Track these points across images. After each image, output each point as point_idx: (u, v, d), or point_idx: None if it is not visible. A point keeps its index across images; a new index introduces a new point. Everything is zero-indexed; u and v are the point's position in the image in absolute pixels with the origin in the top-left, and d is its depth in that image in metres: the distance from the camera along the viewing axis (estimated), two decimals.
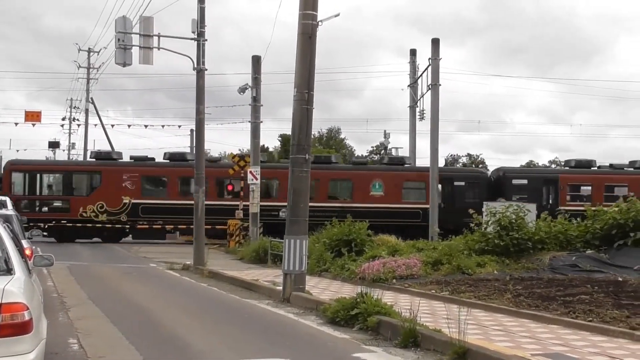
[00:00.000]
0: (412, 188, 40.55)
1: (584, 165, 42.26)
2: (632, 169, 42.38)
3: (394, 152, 58.92)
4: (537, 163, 76.60)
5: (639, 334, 10.70)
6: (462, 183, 40.75)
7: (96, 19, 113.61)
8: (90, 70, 60.20)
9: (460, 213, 31.78)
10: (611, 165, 42.72)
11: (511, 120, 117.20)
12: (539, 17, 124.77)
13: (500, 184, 41.12)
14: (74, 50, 64.15)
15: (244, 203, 34.67)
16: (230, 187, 39.42)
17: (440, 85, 35.19)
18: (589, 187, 41.02)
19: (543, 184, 41.31)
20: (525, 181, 41.08)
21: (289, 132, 20.92)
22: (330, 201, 39.30)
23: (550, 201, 40.43)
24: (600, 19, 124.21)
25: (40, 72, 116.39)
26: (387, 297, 14.29)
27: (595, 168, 42.55)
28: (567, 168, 43.80)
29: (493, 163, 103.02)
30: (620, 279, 17.32)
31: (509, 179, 41.43)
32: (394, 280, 18.30)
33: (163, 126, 70.62)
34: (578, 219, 23.01)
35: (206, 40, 26.16)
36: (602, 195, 38.95)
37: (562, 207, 38.14)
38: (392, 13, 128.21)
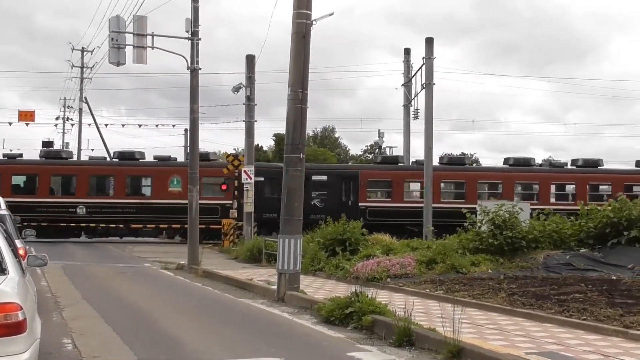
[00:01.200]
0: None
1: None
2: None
3: (388, 152, 58.96)
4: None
5: (632, 333, 10.72)
6: (262, 178, 39.83)
7: (88, 18, 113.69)
8: (84, 69, 60.08)
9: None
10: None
11: (505, 119, 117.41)
12: (532, 16, 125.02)
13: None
14: (67, 50, 64.11)
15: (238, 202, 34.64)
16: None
17: (434, 84, 35.24)
18: (390, 183, 41.12)
19: (343, 181, 40.99)
20: (325, 177, 40.95)
21: (283, 131, 20.93)
22: None
23: (351, 198, 40.40)
24: (593, 17, 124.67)
25: (33, 71, 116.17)
26: (382, 296, 14.30)
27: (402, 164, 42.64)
28: (372, 164, 43.98)
29: (487, 162, 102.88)
30: (614, 278, 17.35)
31: (308, 175, 40.61)
32: (388, 280, 18.30)
33: (157, 126, 70.67)
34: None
35: (200, 39, 26.14)
36: (403, 192, 40.58)
37: (362, 204, 39.75)
38: (384, 12, 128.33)
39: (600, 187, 42.67)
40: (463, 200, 38.16)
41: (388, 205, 40.64)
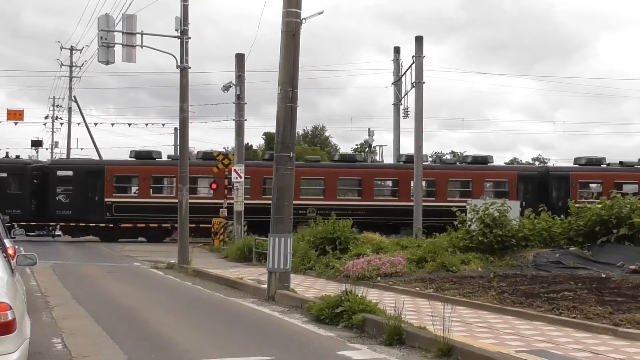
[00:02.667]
0: None
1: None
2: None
3: (378, 150, 59.04)
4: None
5: (622, 330, 10.74)
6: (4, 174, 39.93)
7: (74, 16, 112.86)
8: (73, 68, 59.89)
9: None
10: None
11: (494, 117, 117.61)
12: (518, 15, 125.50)
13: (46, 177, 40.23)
14: (54, 48, 63.90)
15: (228, 201, 34.61)
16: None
17: (424, 83, 35.31)
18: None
19: (88, 176, 40.36)
20: (70, 172, 40.27)
21: (272, 130, 20.92)
22: None
23: (97, 193, 39.92)
24: (579, 16, 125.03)
25: (21, 70, 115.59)
26: (372, 295, 14.30)
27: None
28: (122, 159, 42.96)
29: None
30: (603, 276, 17.41)
31: (53, 170, 40.39)
32: (379, 278, 18.31)
33: (147, 124, 70.25)
34: None
35: (190, 38, 26.10)
36: (149, 188, 40.46)
37: (108, 200, 39.57)
38: (372, 11, 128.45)
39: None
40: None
41: (135, 201, 40.38)
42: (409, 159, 41.23)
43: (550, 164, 71.56)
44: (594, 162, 42.67)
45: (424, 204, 36.16)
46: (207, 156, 40.45)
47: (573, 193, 39.33)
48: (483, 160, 43.20)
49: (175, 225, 34.92)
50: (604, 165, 43.32)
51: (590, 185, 42.79)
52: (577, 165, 43.50)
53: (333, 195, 40.51)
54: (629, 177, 42.21)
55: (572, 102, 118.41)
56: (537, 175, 43.15)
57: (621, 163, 43.51)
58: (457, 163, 45.61)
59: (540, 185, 41.86)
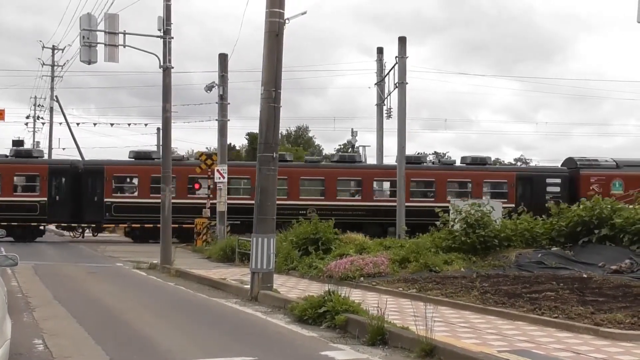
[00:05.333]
0: None
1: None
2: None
3: (361, 150, 59.08)
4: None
5: (603, 330, 10.81)
6: None
7: (53, 15, 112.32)
8: (55, 67, 59.60)
9: None
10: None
11: (476, 117, 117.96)
12: (498, 15, 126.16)
13: None
14: (33, 48, 63.60)
15: (211, 201, 34.54)
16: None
17: (407, 83, 35.37)
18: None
19: None
20: None
21: (255, 130, 20.89)
22: None
23: None
24: (558, 17, 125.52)
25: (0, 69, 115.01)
26: (355, 295, 14.31)
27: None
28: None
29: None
30: (585, 276, 17.50)
31: None
32: (362, 278, 18.32)
33: (129, 124, 70.10)
34: None
35: (172, 38, 26.02)
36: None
37: None
38: (352, 11, 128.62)
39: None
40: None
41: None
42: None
43: (532, 164, 72.00)
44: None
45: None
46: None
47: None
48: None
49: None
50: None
51: (350, 182, 42.42)
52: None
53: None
54: (384, 175, 42.09)
55: (553, 103, 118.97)
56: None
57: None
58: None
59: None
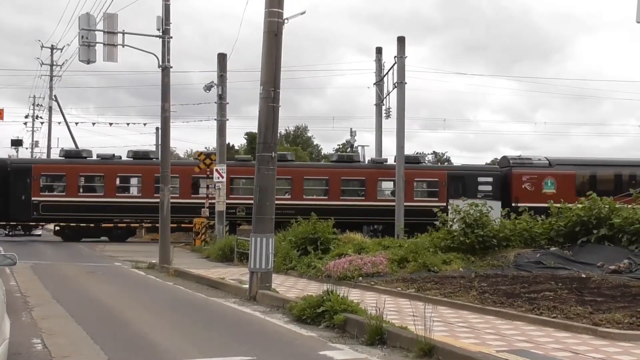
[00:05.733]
0: None
1: None
2: None
3: (360, 150, 59.05)
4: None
5: (602, 330, 10.81)
6: None
7: (51, 15, 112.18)
8: (53, 67, 59.58)
9: None
10: None
11: (475, 117, 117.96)
12: (496, 15, 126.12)
13: None
14: (31, 47, 63.63)
15: (210, 201, 34.54)
16: None
17: (406, 83, 35.37)
18: None
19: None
20: None
21: (254, 129, 20.96)
22: None
23: None
24: (556, 17, 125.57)
25: None
26: (354, 295, 14.31)
27: None
28: None
29: (457, 161, 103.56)
30: (583, 276, 17.50)
31: None
32: (360, 278, 18.33)
33: (128, 124, 70.11)
34: None
35: (171, 37, 26.03)
36: None
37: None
38: (349, 11, 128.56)
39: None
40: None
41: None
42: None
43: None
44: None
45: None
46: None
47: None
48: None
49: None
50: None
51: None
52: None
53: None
54: (314, 173, 42.31)
55: (552, 102, 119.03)
56: None
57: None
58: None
59: None
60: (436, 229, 22.76)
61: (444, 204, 33.95)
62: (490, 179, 41.85)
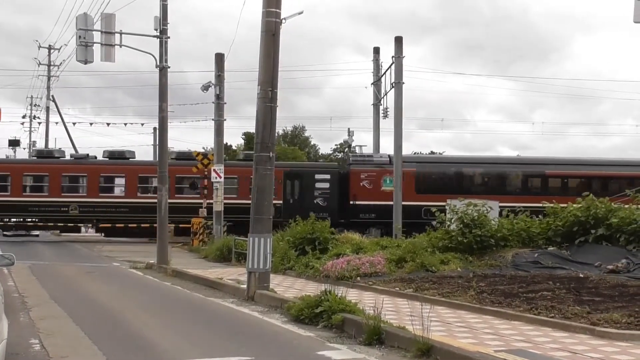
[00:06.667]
0: None
1: None
2: None
3: (357, 150, 59.02)
4: None
5: (599, 330, 10.83)
6: None
7: (48, 15, 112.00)
8: (51, 67, 59.55)
9: None
10: None
11: (472, 117, 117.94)
12: (493, 15, 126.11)
13: None
14: (28, 47, 63.66)
15: (208, 201, 34.54)
16: None
17: (403, 83, 35.34)
18: None
19: None
20: None
21: (251, 130, 21.00)
22: None
23: None
24: (554, 17, 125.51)
25: None
26: (352, 295, 14.31)
27: None
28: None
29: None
30: (581, 276, 17.51)
31: None
32: (358, 278, 18.33)
33: (125, 124, 70.09)
34: None
35: (169, 37, 26.04)
36: None
37: None
38: (347, 11, 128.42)
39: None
40: None
41: None
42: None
43: None
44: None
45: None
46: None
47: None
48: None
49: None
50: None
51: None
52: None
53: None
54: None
55: (549, 102, 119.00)
56: None
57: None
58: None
59: None
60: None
61: (281, 202, 37.00)
62: (327, 177, 41.39)
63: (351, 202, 39.26)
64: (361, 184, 39.98)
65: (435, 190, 38.07)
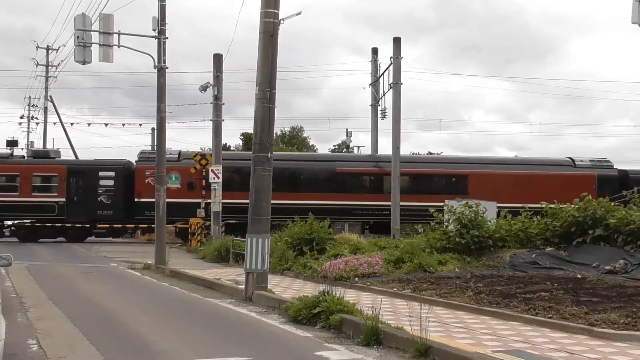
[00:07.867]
0: None
1: None
2: None
3: (355, 151, 59.03)
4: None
5: (597, 330, 10.83)
6: None
7: (44, 15, 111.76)
8: (49, 68, 59.51)
9: None
10: None
11: (469, 118, 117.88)
12: (489, 15, 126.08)
13: None
14: (25, 47, 63.61)
15: (206, 201, 34.52)
16: None
17: (402, 84, 35.34)
18: None
19: None
20: None
21: (249, 130, 20.98)
22: None
23: None
24: (550, 18, 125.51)
25: None
26: (350, 296, 14.31)
27: None
28: None
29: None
30: (579, 276, 17.54)
31: None
32: (356, 279, 18.33)
33: (124, 124, 69.99)
34: None
35: (167, 38, 26.02)
36: None
37: None
38: (343, 11, 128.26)
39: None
40: None
41: None
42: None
43: None
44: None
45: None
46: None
47: None
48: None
49: None
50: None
51: None
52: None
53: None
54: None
55: (546, 103, 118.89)
56: None
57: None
58: None
59: None
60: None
61: (64, 199, 37.66)
62: (112, 174, 40.45)
63: (136, 200, 38.61)
64: (146, 180, 38.41)
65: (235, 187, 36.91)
